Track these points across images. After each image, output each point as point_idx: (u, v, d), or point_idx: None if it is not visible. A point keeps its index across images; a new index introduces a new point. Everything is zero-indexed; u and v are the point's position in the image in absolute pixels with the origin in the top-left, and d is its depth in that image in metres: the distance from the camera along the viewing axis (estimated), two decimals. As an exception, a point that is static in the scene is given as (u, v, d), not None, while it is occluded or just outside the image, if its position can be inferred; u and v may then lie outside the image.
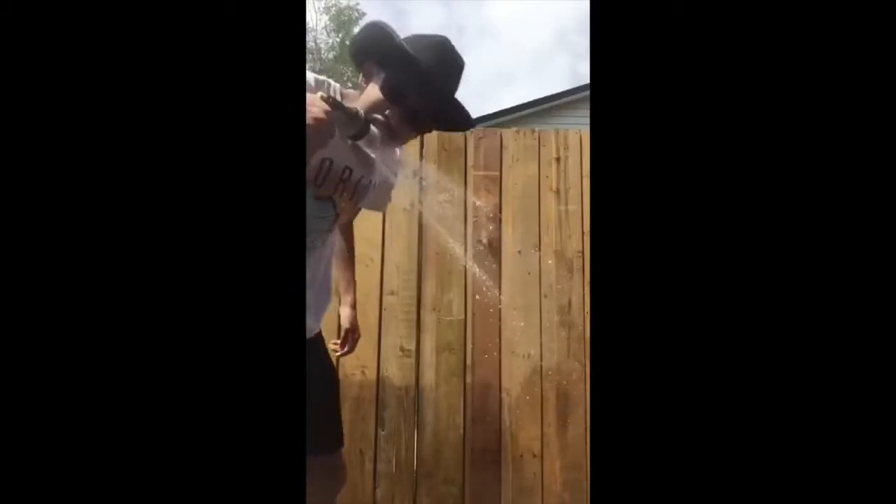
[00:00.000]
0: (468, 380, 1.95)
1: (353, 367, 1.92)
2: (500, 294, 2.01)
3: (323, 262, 1.23)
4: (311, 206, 1.11)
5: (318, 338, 1.32)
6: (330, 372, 1.39)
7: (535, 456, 1.93)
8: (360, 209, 1.30)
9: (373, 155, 1.18)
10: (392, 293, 1.99)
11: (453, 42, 1.13)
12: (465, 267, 2.01)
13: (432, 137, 2.04)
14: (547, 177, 2.07)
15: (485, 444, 1.93)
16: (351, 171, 1.14)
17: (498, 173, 2.06)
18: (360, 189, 1.18)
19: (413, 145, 2.04)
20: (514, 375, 1.97)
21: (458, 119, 1.14)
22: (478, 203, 2.01)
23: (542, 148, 2.10)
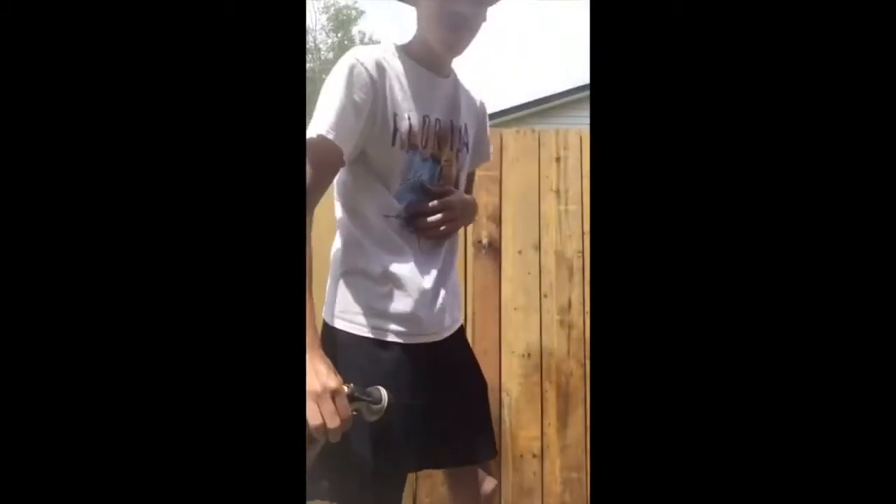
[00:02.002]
0: (468, 380, 1.94)
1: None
2: (500, 294, 2.01)
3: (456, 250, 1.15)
4: (419, 167, 1.01)
5: (462, 331, 1.18)
6: (478, 369, 1.18)
7: (535, 456, 1.93)
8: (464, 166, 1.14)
9: (460, 100, 1.09)
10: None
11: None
12: (465, 267, 2.01)
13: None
14: (547, 177, 2.07)
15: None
16: (439, 120, 1.04)
17: (498, 173, 2.06)
18: (459, 138, 1.08)
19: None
20: (514, 376, 1.97)
21: None
22: (478, 203, 2.01)
23: (542, 148, 2.10)
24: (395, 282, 1.01)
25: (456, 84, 1.10)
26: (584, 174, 2.07)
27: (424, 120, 1.01)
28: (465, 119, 1.10)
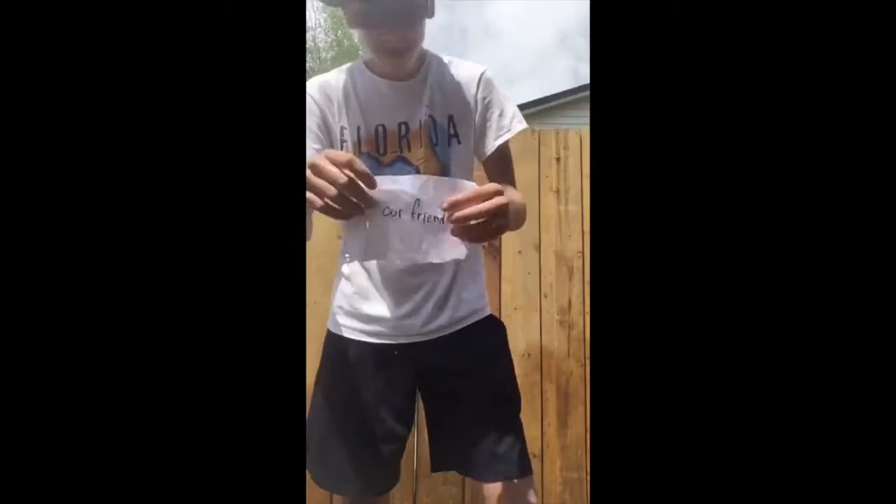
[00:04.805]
0: (468, 380, 1.94)
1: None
2: (500, 294, 2.01)
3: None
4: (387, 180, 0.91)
5: (491, 321, 1.13)
6: (489, 376, 1.08)
7: (535, 456, 1.93)
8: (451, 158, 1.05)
9: (424, 101, 1.04)
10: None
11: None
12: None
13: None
14: (547, 177, 2.07)
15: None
16: (405, 124, 1.03)
17: (498, 173, 2.06)
18: (431, 134, 1.04)
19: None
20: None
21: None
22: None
23: (542, 148, 2.10)
24: (360, 283, 1.07)
25: (425, 81, 1.06)
26: (584, 174, 2.07)
27: (377, 129, 1.03)
28: (445, 110, 1.06)
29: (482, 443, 1.06)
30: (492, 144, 1.10)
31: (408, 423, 1.12)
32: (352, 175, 0.74)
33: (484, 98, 1.08)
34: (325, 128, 1.04)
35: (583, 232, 2.02)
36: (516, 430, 1.09)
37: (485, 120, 1.09)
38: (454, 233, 0.79)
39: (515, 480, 1.05)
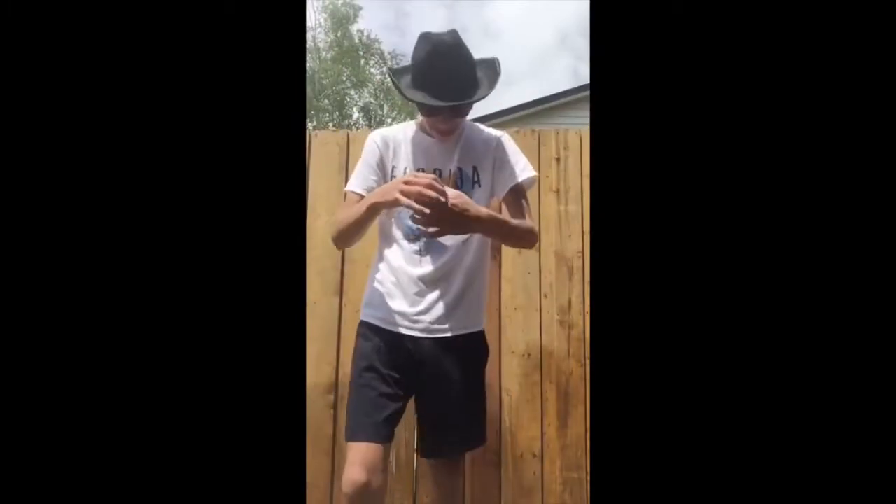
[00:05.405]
0: (468, 380, 1.94)
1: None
2: (500, 294, 2.01)
3: (474, 251, 1.43)
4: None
5: (482, 336, 1.48)
6: (482, 366, 1.49)
7: (535, 456, 1.93)
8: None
9: (454, 153, 1.45)
10: (392, 293, 1.98)
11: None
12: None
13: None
14: (547, 177, 2.07)
15: (485, 444, 1.93)
16: (439, 169, 1.43)
17: (498, 173, 2.06)
18: (458, 181, 1.44)
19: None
20: (514, 375, 1.97)
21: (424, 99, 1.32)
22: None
23: (542, 148, 2.10)
24: (387, 285, 1.43)
25: (458, 141, 1.47)
26: (584, 174, 2.07)
27: (418, 171, 1.40)
28: (470, 162, 1.46)
29: (448, 431, 1.44)
30: (506, 187, 1.49)
31: (402, 394, 1.40)
32: (432, 191, 1.20)
33: (501, 155, 1.49)
34: (382, 164, 1.47)
35: (583, 232, 2.02)
36: (479, 426, 1.50)
37: (501, 171, 1.48)
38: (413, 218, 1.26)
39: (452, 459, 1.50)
